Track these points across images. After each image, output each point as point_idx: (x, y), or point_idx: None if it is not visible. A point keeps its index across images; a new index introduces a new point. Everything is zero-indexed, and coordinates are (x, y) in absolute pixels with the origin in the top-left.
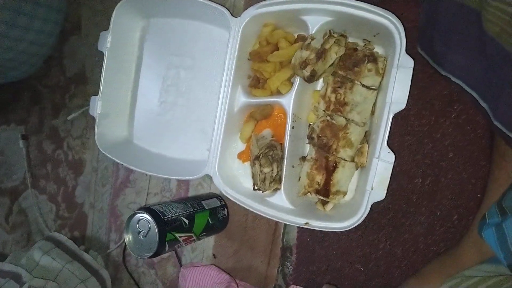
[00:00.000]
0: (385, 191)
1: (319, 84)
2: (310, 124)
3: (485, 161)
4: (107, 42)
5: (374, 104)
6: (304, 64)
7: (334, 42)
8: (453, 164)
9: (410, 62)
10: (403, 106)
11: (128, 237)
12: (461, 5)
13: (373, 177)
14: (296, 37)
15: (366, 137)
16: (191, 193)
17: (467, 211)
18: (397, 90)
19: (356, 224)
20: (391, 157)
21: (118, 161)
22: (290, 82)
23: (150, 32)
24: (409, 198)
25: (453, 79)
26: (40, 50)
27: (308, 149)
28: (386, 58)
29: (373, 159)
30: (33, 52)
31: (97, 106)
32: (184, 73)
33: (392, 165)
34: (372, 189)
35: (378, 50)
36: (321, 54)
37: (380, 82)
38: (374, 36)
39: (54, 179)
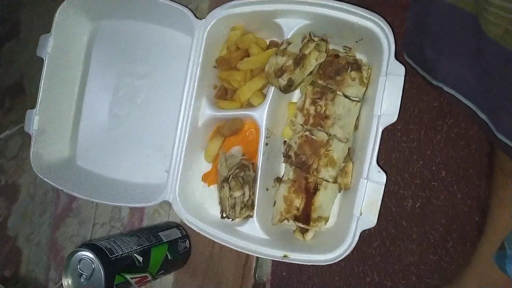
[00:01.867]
0: (376, 217)
1: (296, 95)
2: (286, 141)
3: (482, 179)
4: (48, 46)
5: (358, 117)
6: (280, 71)
7: (314, 47)
8: (446, 183)
9: (401, 70)
10: (394, 118)
11: (67, 281)
12: (453, 8)
13: (361, 200)
14: (268, 43)
15: (350, 155)
16: (146, 223)
17: (463, 236)
18: (387, 101)
19: (343, 256)
20: (381, 177)
21: (58, 187)
22: (262, 92)
23: (100, 36)
24: (398, 223)
25: (446, 89)
26: None
27: (284, 168)
28: (371, 66)
29: (360, 180)
30: None
31: (33, 121)
32: (140, 82)
33: (384, 186)
34: (360, 214)
35: (361, 58)
36: (299, 60)
37: (364, 93)
38: (357, 42)
39: None
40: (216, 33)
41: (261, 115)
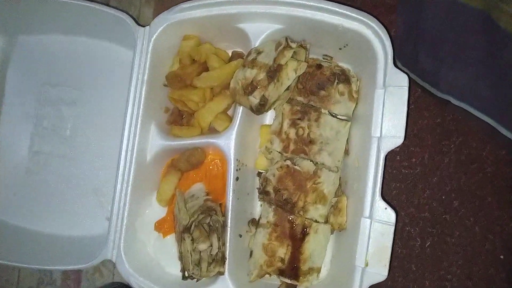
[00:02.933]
0: (387, 268)
1: (268, 116)
2: (260, 173)
3: (504, 209)
4: None
5: (347, 140)
6: (250, 87)
7: (292, 57)
8: (460, 216)
9: (402, 79)
10: (400, 141)
11: None
12: (454, 5)
13: (365, 246)
14: (230, 54)
15: (341, 187)
16: (84, 286)
17: (486, 280)
18: (389, 120)
19: None
20: (390, 216)
21: None
22: (227, 115)
23: (16, 54)
24: (406, 269)
25: (454, 102)
26: None
27: (261, 208)
28: (359, 78)
29: (360, 220)
30: None
31: None
32: (68, 110)
33: (394, 227)
34: (366, 265)
35: (348, 67)
36: (274, 72)
37: (354, 110)
38: (340, 49)
39: None
40: (164, 43)
41: (227, 142)
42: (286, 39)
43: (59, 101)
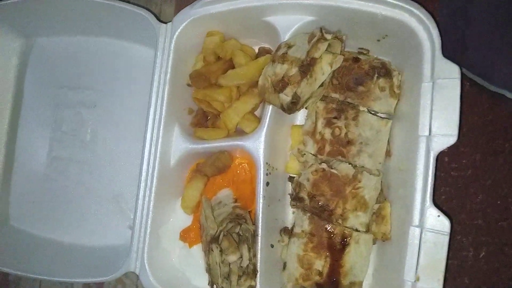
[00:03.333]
0: (442, 283)
1: (300, 116)
2: (292, 177)
3: None
4: None
5: (388, 141)
6: (281, 84)
7: (326, 49)
8: None
9: (453, 71)
10: (454, 139)
11: None
12: None
13: (416, 259)
14: (257, 51)
15: (383, 193)
16: None
17: None
18: (439, 116)
19: None
20: (443, 224)
21: None
22: (254, 115)
23: (34, 57)
24: (457, 282)
25: (511, 96)
26: None
27: (293, 216)
28: (400, 72)
29: (409, 228)
30: None
31: None
32: (87, 113)
33: (448, 237)
34: (417, 279)
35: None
36: (307, 67)
37: (395, 107)
38: (378, 40)
39: None
40: (186, 41)
41: (256, 145)
42: (321, 30)
43: (79, 104)
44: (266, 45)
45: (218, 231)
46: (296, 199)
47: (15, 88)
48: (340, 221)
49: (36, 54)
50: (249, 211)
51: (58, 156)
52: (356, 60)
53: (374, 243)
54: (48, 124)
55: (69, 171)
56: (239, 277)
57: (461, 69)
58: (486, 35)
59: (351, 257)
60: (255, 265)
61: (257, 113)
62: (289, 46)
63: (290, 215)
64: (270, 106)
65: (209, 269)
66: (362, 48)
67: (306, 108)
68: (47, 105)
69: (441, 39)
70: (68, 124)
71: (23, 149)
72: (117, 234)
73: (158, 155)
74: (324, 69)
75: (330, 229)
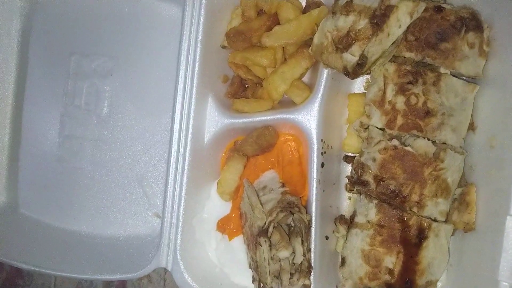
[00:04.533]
0: None
1: (357, 83)
2: (349, 156)
3: None
4: None
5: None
6: (345, 41)
7: None
8: None
9: None
10: None
11: None
12: None
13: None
14: (304, 4)
15: (464, 175)
16: None
17: None
18: None
19: None
20: None
21: None
22: (304, 83)
23: (38, 19)
24: None
25: None
26: None
27: (348, 202)
28: (490, 25)
29: (505, 219)
30: None
31: None
32: (103, 83)
33: None
34: None
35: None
36: (381, 17)
37: (483, 69)
38: None
39: None
40: None
41: (308, 118)
42: None
43: (92, 74)
44: None
45: (267, 222)
46: (359, 183)
47: (18, 56)
48: (415, 210)
49: (41, 16)
50: (300, 197)
51: (71, 135)
52: (439, 9)
53: (452, 234)
54: (58, 97)
55: (84, 151)
56: (292, 275)
57: None
58: None
59: (429, 252)
60: (309, 261)
61: (305, 80)
62: None
63: (345, 201)
64: (325, 71)
65: (255, 266)
66: None
67: (369, 72)
68: (56, 75)
69: None
70: (82, 97)
71: (31, 127)
72: (142, 223)
73: (190, 132)
74: (402, 21)
75: (404, 219)
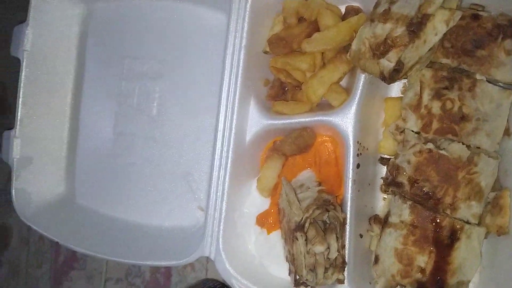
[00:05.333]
0: None
1: (394, 87)
2: (384, 158)
3: None
4: (25, 41)
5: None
6: (383, 47)
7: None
8: None
9: None
10: None
11: None
12: None
13: None
14: (344, 10)
15: (499, 179)
16: (175, 281)
17: None
18: None
19: None
20: None
21: (50, 237)
22: (341, 87)
23: (94, 25)
24: None
25: None
26: None
27: (383, 203)
28: None
29: None
30: None
31: (13, 147)
32: (153, 85)
33: None
34: None
35: None
36: (418, 25)
37: None
38: None
39: None
40: (264, 2)
41: (345, 120)
42: None
43: (143, 76)
44: (355, 3)
45: (304, 218)
46: (393, 184)
47: (77, 59)
48: (448, 212)
49: (97, 21)
50: (336, 196)
51: (123, 132)
52: (476, 17)
53: (485, 237)
54: (112, 97)
55: (135, 147)
56: (326, 269)
57: None
58: None
59: (461, 253)
60: (343, 258)
61: (343, 84)
62: (393, 1)
63: (380, 201)
64: (363, 76)
65: (292, 259)
66: (474, 4)
67: (406, 76)
68: (110, 77)
69: None
70: (133, 97)
71: (87, 124)
72: (186, 215)
73: (233, 131)
74: (438, 28)
75: (437, 220)
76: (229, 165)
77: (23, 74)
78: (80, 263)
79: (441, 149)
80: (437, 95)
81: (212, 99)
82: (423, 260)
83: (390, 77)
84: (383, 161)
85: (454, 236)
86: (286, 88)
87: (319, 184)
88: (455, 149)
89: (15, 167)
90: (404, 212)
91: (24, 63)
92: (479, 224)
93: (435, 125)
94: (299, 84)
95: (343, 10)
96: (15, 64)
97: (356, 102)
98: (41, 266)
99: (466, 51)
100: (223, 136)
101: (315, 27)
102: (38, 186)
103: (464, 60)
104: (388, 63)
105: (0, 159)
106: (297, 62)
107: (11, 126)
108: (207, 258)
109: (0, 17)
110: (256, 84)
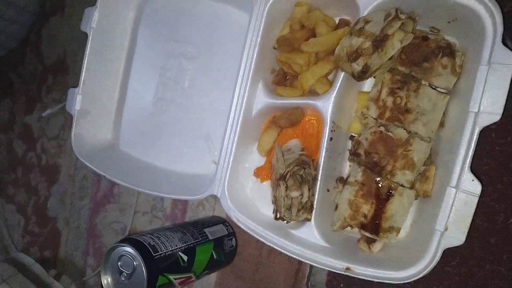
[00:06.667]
0: (465, 235)
1: (367, 84)
2: (353, 136)
3: None
4: (93, 20)
5: (444, 113)
6: (354, 55)
7: (399, 27)
8: None
9: (509, 58)
10: (497, 118)
11: (106, 279)
12: None
13: (448, 213)
14: (337, 22)
15: (431, 157)
16: (189, 216)
17: None
18: (488, 96)
19: (420, 275)
20: (475, 187)
21: (99, 172)
22: (327, 79)
23: (147, 12)
24: (484, 240)
25: None
26: (13, 28)
27: (348, 168)
28: (464, 52)
29: (446, 188)
30: (6, 31)
31: (75, 101)
32: (188, 64)
33: (478, 198)
34: (445, 230)
35: (453, 41)
36: (380, 42)
37: (455, 84)
38: (449, 22)
39: (24, 186)
40: (278, 9)
41: (326, 105)
42: (396, 10)
43: (181, 56)
44: (347, 17)
45: (286, 171)
46: (354, 154)
47: (130, 38)
48: (388, 176)
49: (149, 9)
50: (312, 160)
51: (162, 97)
52: (425, 39)
53: (416, 199)
54: (156, 70)
55: (170, 110)
56: (298, 210)
57: None
58: None
59: (394, 206)
60: (312, 203)
61: (330, 78)
62: (367, 22)
63: (346, 167)
64: (342, 73)
65: (275, 201)
66: (433, 28)
67: (374, 77)
68: (156, 54)
69: (506, 26)
70: (172, 72)
71: (134, 89)
72: (203, 166)
73: (243, 106)
74: (395, 45)
75: (379, 181)
76: (238, 131)
77: (89, 45)
78: (115, 198)
79: (389, 132)
80: (391, 92)
81: (231, 79)
82: (367, 208)
83: (358, 76)
84: (352, 138)
85: (390, 193)
86: (287, 77)
87: (302, 150)
88: (398, 132)
89: (76, 116)
90: (358, 174)
91: (90, 37)
92: (411, 188)
93: (387, 114)
94: (297, 74)
95: (337, 21)
96: (79, 37)
97: (335, 92)
98: (83, 199)
99: (416, 63)
100: (235, 109)
101: (313, 34)
102: (91, 133)
103: (414, 69)
104: (357, 66)
105: (60, 111)
106: (296, 58)
107: (73, 84)
108: (215, 199)
109: (79, 7)
110: (265, 71)
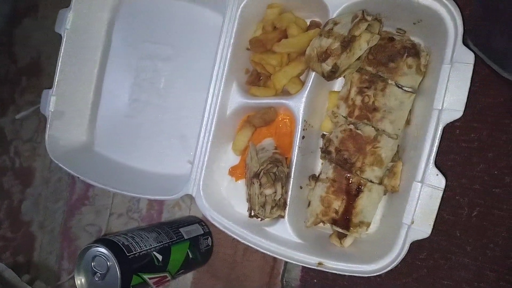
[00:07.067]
0: (431, 227)
1: (337, 83)
2: (324, 134)
3: None
4: (67, 22)
5: (410, 111)
6: (324, 55)
7: (366, 29)
8: (510, 191)
9: (469, 57)
10: (459, 114)
11: (80, 279)
12: None
13: (414, 207)
14: (308, 23)
15: (399, 153)
16: (165, 216)
17: None
18: (451, 94)
19: (389, 268)
20: (440, 181)
21: (73, 173)
22: (299, 79)
23: (122, 13)
24: (450, 233)
25: None
26: None
27: (321, 165)
28: (429, 53)
29: (412, 183)
30: None
31: (49, 102)
32: (163, 65)
33: (442, 192)
34: (412, 223)
35: (418, 42)
36: (348, 43)
37: (420, 83)
38: (414, 24)
39: None
40: (250, 11)
41: (298, 104)
42: (363, 12)
43: (156, 57)
44: (317, 19)
45: (260, 169)
46: (325, 152)
47: (105, 39)
48: (358, 173)
49: (124, 10)
50: (285, 158)
51: (137, 99)
52: (391, 39)
53: (384, 194)
54: (131, 71)
55: (145, 111)
56: (272, 207)
57: (479, 57)
58: (508, 29)
59: (363, 201)
60: (285, 200)
61: (302, 78)
62: (335, 23)
63: (318, 165)
64: (313, 73)
65: (249, 199)
66: (400, 29)
67: (344, 77)
68: (131, 56)
69: (472, 28)
70: (147, 73)
71: (109, 90)
72: (178, 166)
73: (217, 106)
74: (362, 46)
75: (349, 177)
76: (212, 130)
77: (62, 47)
78: (90, 200)
79: (358, 130)
80: (360, 92)
81: (206, 80)
82: (338, 204)
83: (328, 76)
84: (323, 136)
85: (359, 189)
86: (261, 77)
87: (276, 148)
88: (367, 130)
89: (50, 118)
90: (329, 171)
91: (64, 39)
92: (379, 184)
93: (356, 112)
94: (270, 75)
95: (308, 22)
96: (53, 39)
97: (306, 92)
98: (58, 202)
99: (382, 63)
100: (209, 109)
101: (285, 35)
102: (66, 134)
103: (380, 69)
104: (326, 66)
105: (34, 113)
106: (269, 59)
107: (47, 86)
108: (191, 200)
109: (50, 4)
110: (239, 72)
